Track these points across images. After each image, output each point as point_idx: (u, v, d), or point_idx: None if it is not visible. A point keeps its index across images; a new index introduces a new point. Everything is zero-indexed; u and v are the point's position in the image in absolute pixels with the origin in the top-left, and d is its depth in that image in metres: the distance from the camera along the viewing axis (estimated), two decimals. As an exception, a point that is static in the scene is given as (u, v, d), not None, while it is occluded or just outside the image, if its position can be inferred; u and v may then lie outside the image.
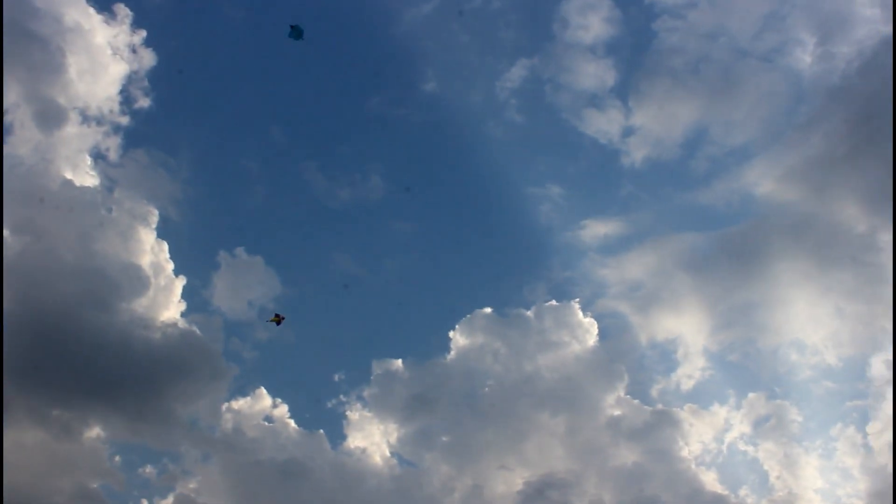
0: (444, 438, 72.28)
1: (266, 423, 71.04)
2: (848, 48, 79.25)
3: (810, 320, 74.21)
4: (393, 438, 72.80)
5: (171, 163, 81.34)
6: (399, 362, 75.26)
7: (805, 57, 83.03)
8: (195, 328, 72.20)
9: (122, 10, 78.38)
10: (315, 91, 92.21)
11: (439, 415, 73.40)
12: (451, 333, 76.23)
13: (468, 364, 75.62)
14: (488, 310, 77.31)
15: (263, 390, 72.12)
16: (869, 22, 78.65)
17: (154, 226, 72.79)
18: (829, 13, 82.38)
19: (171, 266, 72.80)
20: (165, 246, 73.13)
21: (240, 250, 78.54)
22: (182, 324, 71.56)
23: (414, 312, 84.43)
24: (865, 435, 67.72)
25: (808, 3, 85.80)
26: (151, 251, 72.09)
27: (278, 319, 59.78)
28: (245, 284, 77.21)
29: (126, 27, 78.27)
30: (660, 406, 73.01)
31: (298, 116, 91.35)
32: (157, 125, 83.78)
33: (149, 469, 67.81)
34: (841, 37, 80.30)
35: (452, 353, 76.14)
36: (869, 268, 72.58)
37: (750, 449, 70.74)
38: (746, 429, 71.59)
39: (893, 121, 59.79)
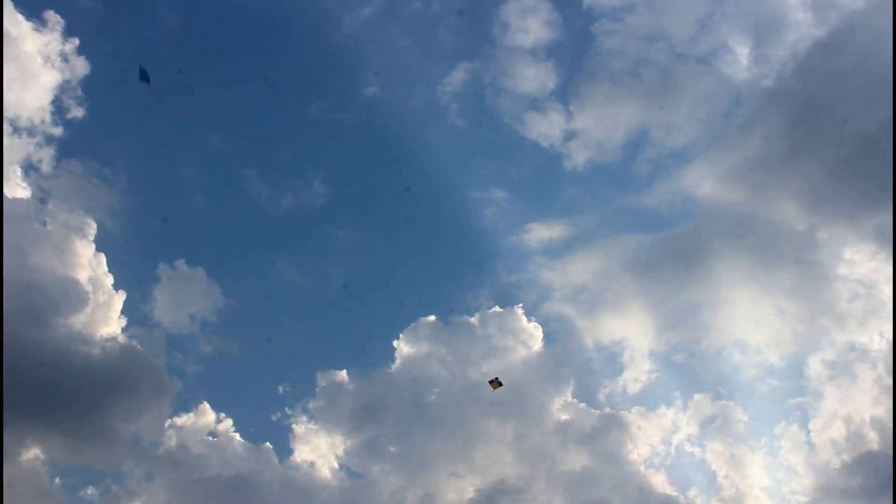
0: (392, 449, 71.80)
1: (211, 439, 69.75)
2: (782, 51, 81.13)
3: (753, 320, 75.69)
4: (340, 450, 72.03)
5: (107, 173, 79.26)
6: (343, 373, 74.69)
7: (741, 59, 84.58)
8: (136, 343, 70.45)
9: (53, 18, 75.76)
10: (254, 97, 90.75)
11: (387, 425, 72.99)
12: (395, 343, 76.09)
13: (414, 373, 75.49)
14: (432, 318, 77.34)
15: (207, 405, 70.87)
16: (801, 25, 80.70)
17: (91, 238, 70.86)
18: (762, 16, 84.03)
19: (110, 280, 71.07)
20: (104, 259, 71.30)
21: (180, 262, 77.19)
22: (122, 339, 69.85)
23: (358, 322, 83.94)
24: (808, 432, 69.03)
25: (742, 6, 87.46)
26: (89, 265, 70.21)
27: (496, 384, 59.55)
28: (186, 297, 75.83)
29: (57, 35, 75.87)
30: (607, 410, 73.59)
31: (237, 123, 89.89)
32: (91, 135, 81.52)
33: (91, 491, 65.71)
34: (775, 40, 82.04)
35: (397, 362, 75.95)
36: (808, 266, 74.47)
37: (697, 450, 71.58)
38: (693, 430, 72.43)
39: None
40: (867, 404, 66.77)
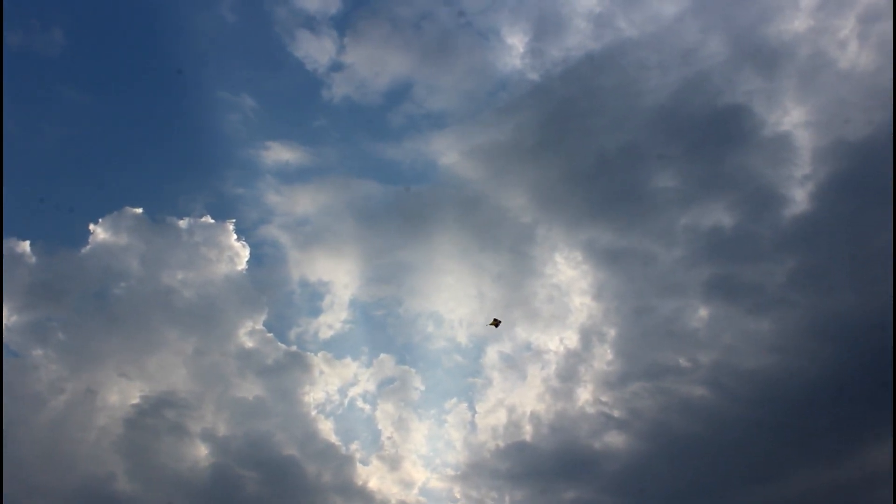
0: (61, 335, 68.66)
1: None
2: (557, 52, 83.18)
3: (454, 296, 78.04)
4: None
5: None
6: (27, 244, 70.73)
7: (518, 46, 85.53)
8: None
9: None
10: None
11: (61, 309, 69.99)
12: (92, 225, 73.03)
13: (106, 261, 72.56)
14: (139, 210, 74.79)
15: None
16: (581, 34, 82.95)
17: None
18: (548, 12, 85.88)
19: None
20: None
21: None
22: None
23: (59, 192, 78.86)
24: (474, 413, 72.41)
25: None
26: None
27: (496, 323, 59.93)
28: None
29: None
30: (294, 348, 73.85)
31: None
32: None
33: None
34: (553, 39, 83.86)
35: (90, 246, 72.79)
36: (520, 258, 77.44)
37: (368, 407, 73.14)
38: (371, 387, 74.01)
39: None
40: (531, 399, 71.28)
